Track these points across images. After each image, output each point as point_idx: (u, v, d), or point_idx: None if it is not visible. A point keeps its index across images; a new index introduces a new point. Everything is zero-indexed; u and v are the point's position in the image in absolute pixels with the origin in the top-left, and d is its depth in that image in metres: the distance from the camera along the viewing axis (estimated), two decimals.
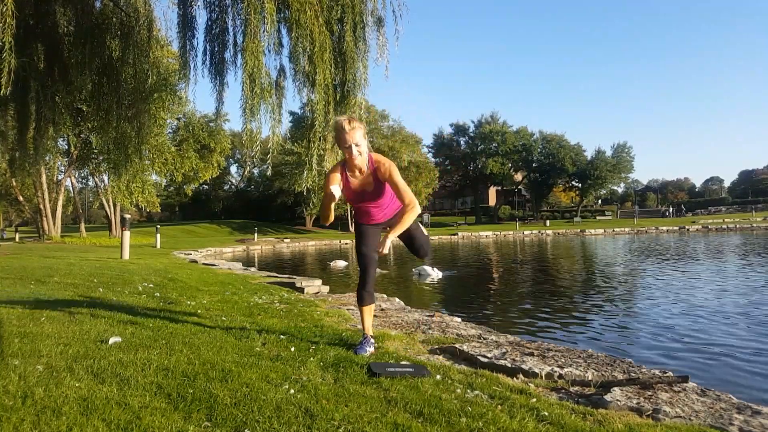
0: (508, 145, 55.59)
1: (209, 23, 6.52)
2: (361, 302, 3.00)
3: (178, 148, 30.53)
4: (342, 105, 6.67)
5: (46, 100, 8.29)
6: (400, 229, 2.77)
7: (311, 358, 2.63)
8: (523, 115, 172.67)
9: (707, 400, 2.27)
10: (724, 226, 39.17)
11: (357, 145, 2.70)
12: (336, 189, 2.73)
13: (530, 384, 2.49)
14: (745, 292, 8.10)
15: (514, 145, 56.05)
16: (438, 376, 2.45)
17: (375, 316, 4.56)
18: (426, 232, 3.29)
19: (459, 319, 4.50)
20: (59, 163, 28.64)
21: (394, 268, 12.55)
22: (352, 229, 44.65)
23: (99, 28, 8.11)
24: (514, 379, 2.58)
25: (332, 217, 2.95)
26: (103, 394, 1.95)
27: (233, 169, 69.06)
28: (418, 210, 2.77)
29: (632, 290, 9.07)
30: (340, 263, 15.18)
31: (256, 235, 31.31)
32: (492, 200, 68.18)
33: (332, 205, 2.87)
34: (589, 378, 2.56)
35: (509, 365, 2.75)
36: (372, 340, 3.00)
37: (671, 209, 61.81)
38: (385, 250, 2.71)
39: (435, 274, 11.10)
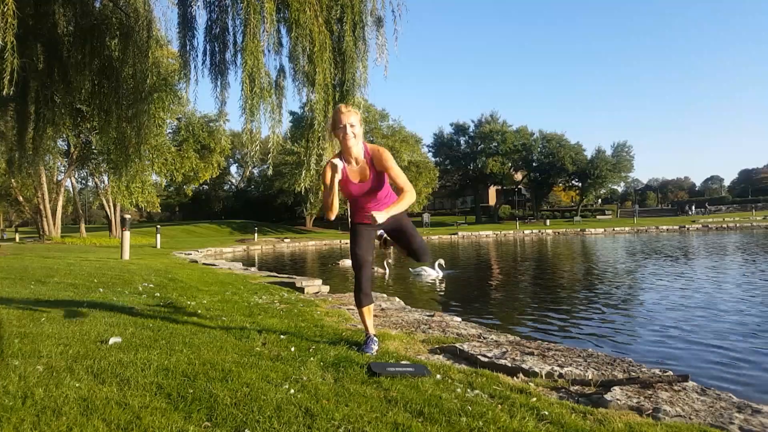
0: (508, 144, 55.57)
1: (209, 23, 6.53)
2: (360, 304, 3.01)
3: (178, 148, 30.52)
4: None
5: (45, 101, 8.29)
6: (395, 209, 2.71)
7: (311, 358, 2.63)
8: (523, 115, 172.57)
9: (707, 399, 2.27)
10: (724, 225, 39.16)
11: (351, 126, 2.73)
12: (338, 162, 2.74)
13: (530, 383, 2.49)
14: (745, 291, 8.10)
15: (514, 144, 56.03)
16: (438, 376, 2.45)
17: (375, 315, 4.55)
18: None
19: (459, 319, 4.50)
20: (59, 163, 28.69)
21: (394, 269, 12.54)
22: None
23: (98, 28, 8.11)
24: (515, 378, 2.58)
25: (336, 207, 2.81)
26: (103, 394, 1.95)
27: (233, 169, 69.15)
28: (413, 196, 2.76)
29: (632, 289, 9.07)
30: (347, 262, 15.21)
31: (256, 235, 31.31)
32: (492, 200, 68.16)
33: (335, 191, 2.75)
34: (590, 377, 2.56)
35: (509, 365, 2.75)
36: (375, 339, 3.03)
37: (693, 207, 62.27)
38: (379, 219, 2.59)
39: (435, 273, 11.09)
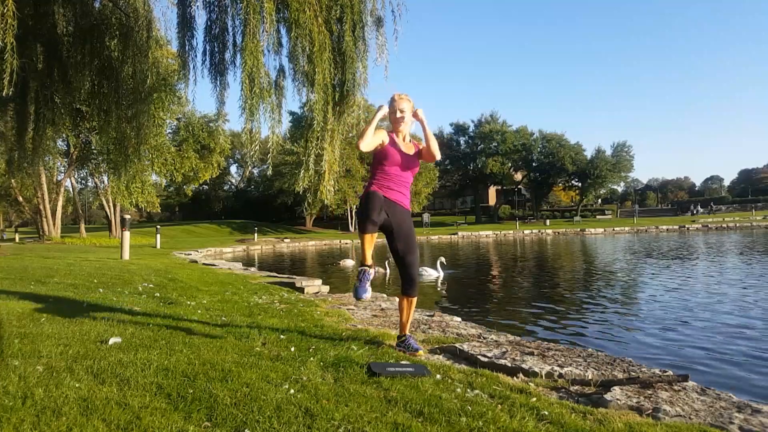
0: (508, 144, 55.57)
1: (209, 23, 6.52)
2: (364, 230, 2.80)
3: (177, 149, 30.52)
4: (341, 105, 6.67)
5: (45, 101, 8.29)
6: (431, 134, 3.16)
7: (311, 358, 2.63)
8: (523, 115, 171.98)
9: (707, 399, 2.27)
10: (724, 225, 39.17)
11: (402, 111, 3.17)
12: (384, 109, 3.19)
13: (530, 383, 2.49)
14: (744, 291, 8.10)
15: (513, 144, 56.03)
16: (438, 376, 2.45)
17: (375, 316, 4.56)
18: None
19: (459, 319, 4.51)
20: (59, 163, 28.66)
21: (395, 268, 12.54)
22: (352, 229, 44.81)
23: (98, 28, 8.10)
24: (514, 378, 2.58)
25: (369, 137, 2.96)
26: (103, 394, 1.95)
27: (233, 169, 69.17)
28: (438, 153, 3.23)
29: (632, 289, 9.07)
30: (349, 262, 15.20)
31: (256, 235, 31.30)
32: (492, 200, 68.15)
33: (374, 124, 3.03)
34: (589, 377, 2.56)
35: (509, 365, 2.75)
36: (372, 271, 2.89)
37: (698, 207, 62.12)
38: (421, 113, 3.18)
39: (436, 273, 11.09)
